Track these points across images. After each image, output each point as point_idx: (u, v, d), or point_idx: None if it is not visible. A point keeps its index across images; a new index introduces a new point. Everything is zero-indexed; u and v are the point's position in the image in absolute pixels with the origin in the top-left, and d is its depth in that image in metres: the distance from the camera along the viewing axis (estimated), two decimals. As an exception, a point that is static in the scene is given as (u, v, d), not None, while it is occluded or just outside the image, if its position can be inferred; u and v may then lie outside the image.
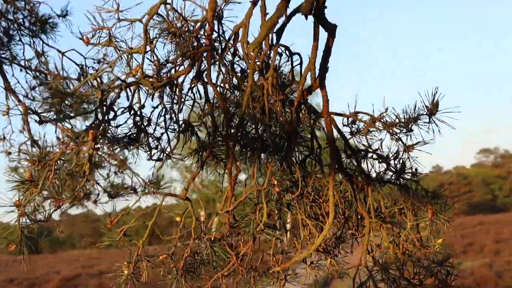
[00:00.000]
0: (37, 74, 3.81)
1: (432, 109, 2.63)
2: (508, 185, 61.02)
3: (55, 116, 2.15)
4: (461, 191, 50.00)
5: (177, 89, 2.34)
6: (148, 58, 2.32)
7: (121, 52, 2.25)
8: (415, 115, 2.65)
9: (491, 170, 62.17)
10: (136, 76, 2.29)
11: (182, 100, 2.42)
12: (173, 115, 2.47)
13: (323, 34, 2.51)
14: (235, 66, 2.61)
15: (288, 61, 2.52)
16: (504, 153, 68.91)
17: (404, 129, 2.68)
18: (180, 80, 2.42)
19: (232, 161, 2.43)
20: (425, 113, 2.64)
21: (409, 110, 2.65)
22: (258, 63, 2.43)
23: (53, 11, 4.05)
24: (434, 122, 2.63)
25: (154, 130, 2.54)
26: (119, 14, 2.31)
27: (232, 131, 2.53)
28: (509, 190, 56.15)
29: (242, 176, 2.59)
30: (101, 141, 2.09)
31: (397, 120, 2.69)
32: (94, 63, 3.75)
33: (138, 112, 2.42)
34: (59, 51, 3.78)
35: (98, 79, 2.26)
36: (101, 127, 2.15)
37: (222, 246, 2.63)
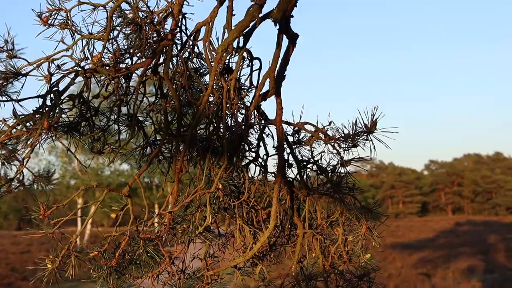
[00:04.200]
0: None
1: (371, 127, 2.68)
2: (381, 194, 64.67)
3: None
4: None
5: (138, 82, 2.22)
6: (106, 47, 2.19)
7: (81, 37, 2.10)
8: (354, 131, 2.70)
9: (366, 179, 65.50)
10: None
11: (140, 92, 2.31)
12: (124, 107, 2.35)
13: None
14: (191, 63, 2.53)
15: (248, 65, 2.49)
16: (379, 164, 72.90)
17: (346, 144, 2.73)
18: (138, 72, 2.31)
19: (182, 162, 2.36)
20: (363, 130, 2.68)
21: (349, 125, 2.69)
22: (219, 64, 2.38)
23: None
24: (372, 140, 2.68)
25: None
26: (80, -4, 2.16)
27: (183, 130, 2.46)
28: (381, 199, 59.43)
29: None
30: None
31: (337, 135, 2.73)
32: None
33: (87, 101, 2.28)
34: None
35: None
36: (54, 115, 2.01)
37: (156, 247, 2.54)
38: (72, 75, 2.13)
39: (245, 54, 2.46)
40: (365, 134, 2.67)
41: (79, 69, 2.11)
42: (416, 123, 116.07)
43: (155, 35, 2.32)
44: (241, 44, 2.42)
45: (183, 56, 2.47)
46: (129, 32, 2.24)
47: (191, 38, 2.46)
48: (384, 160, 74.63)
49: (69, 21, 2.19)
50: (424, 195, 70.76)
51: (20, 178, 2.82)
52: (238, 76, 2.46)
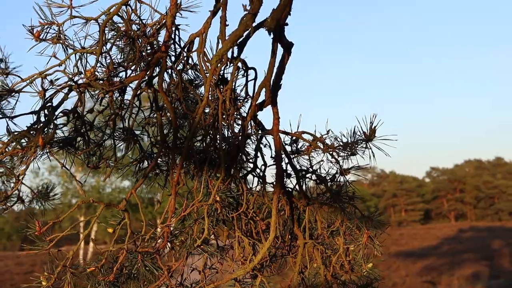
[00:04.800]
0: None
1: (370, 135, 2.65)
2: (383, 203, 64.47)
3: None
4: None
5: (133, 95, 2.20)
6: (99, 61, 2.17)
7: (73, 51, 2.08)
8: (353, 140, 2.67)
9: (368, 188, 65.40)
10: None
11: (135, 106, 2.29)
12: (120, 122, 2.33)
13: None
14: (185, 75, 2.52)
15: (243, 75, 2.47)
16: (380, 173, 72.80)
17: (345, 152, 2.70)
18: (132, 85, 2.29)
19: (179, 174, 2.34)
20: (362, 138, 2.65)
21: (348, 133, 2.66)
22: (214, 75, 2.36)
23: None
24: (371, 148, 2.65)
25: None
26: (72, 11, 2.14)
27: (179, 142, 2.43)
28: (383, 208, 59.34)
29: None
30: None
31: (336, 144, 2.70)
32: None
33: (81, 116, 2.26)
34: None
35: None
36: (48, 131, 1.98)
37: (154, 260, 2.51)
38: (65, 90, 2.11)
39: (239, 64, 2.44)
40: (364, 142, 2.65)
41: (73, 83, 2.09)
42: (413, 126, 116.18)
43: (148, 47, 2.30)
44: (235, 54, 2.40)
45: (178, 68, 2.45)
46: (122, 45, 2.22)
47: (185, 49, 2.45)
48: (385, 169, 74.57)
49: (61, 35, 2.17)
50: (426, 202, 70.52)
51: (19, 195, 2.78)
52: (233, 87, 2.44)
